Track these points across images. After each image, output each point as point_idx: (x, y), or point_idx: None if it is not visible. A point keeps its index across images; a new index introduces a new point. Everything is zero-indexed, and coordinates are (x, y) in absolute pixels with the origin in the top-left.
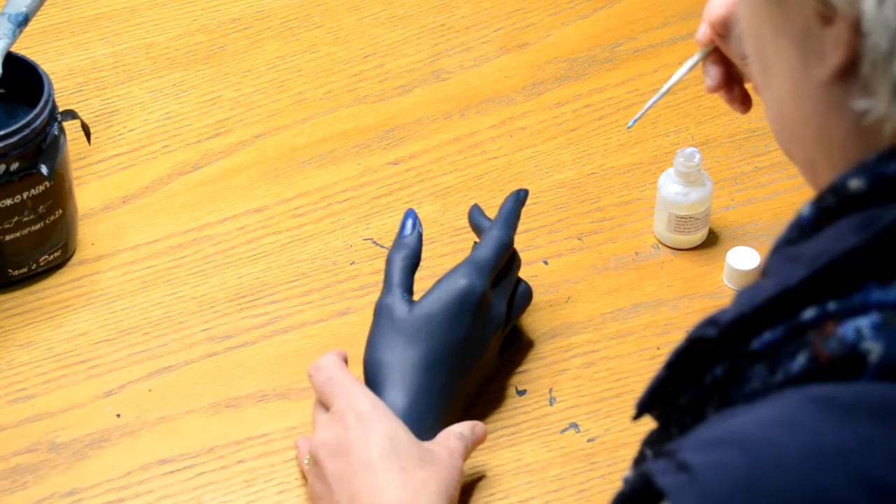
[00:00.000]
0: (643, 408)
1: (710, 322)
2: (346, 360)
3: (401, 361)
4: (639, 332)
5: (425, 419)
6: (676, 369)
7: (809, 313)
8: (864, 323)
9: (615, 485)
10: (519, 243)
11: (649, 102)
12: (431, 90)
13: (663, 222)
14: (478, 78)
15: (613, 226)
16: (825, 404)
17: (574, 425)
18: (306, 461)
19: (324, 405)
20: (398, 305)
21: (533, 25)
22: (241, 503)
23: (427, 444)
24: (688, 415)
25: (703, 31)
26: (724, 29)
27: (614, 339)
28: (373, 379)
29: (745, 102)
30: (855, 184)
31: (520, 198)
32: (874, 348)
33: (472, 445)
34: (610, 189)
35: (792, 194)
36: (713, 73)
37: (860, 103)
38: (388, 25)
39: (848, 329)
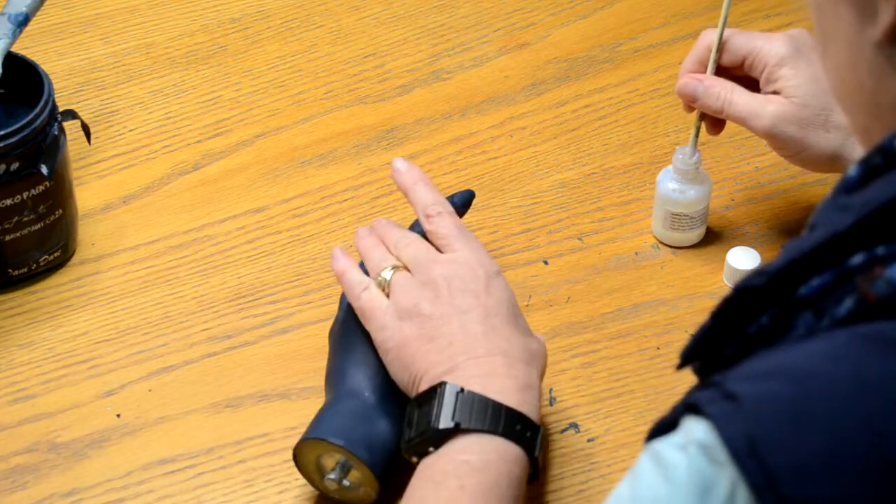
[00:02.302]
0: (687, 357)
1: (759, 273)
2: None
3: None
4: (639, 332)
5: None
6: (721, 320)
7: (857, 258)
8: None
9: (615, 485)
10: (519, 243)
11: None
12: (431, 90)
13: (660, 219)
14: (478, 78)
15: (613, 226)
16: (871, 339)
17: (574, 425)
18: (387, 272)
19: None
20: None
21: (533, 25)
22: (241, 503)
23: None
24: (730, 367)
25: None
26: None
27: (614, 339)
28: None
29: (716, 126)
30: None
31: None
32: None
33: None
34: (610, 189)
35: (792, 194)
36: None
37: None
38: (388, 25)
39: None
